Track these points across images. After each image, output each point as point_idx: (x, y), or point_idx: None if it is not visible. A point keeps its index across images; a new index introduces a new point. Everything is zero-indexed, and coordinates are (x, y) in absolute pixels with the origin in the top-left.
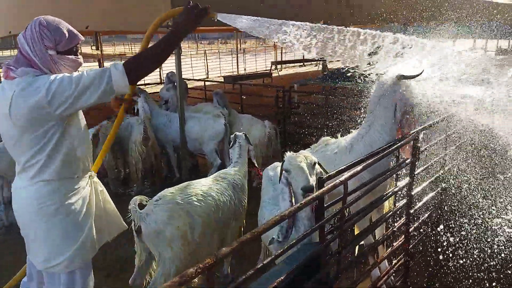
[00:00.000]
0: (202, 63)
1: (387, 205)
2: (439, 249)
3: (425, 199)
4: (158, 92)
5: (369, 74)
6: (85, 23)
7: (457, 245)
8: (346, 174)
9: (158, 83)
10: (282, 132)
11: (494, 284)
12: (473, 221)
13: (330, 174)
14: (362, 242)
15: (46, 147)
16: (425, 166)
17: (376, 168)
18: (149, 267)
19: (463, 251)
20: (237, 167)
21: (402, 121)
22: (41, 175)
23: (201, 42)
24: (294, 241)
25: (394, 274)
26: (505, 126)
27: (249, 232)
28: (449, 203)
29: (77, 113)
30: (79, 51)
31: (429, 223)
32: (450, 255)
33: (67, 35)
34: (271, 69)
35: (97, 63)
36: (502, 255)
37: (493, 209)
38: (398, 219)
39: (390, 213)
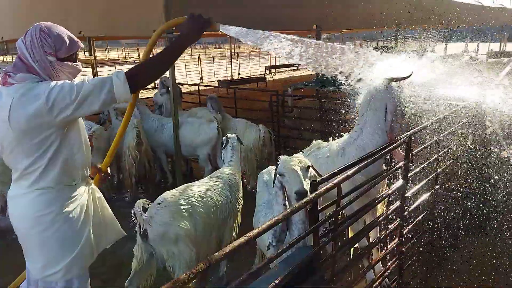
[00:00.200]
0: (196, 68)
1: (380, 207)
2: (433, 251)
3: (418, 201)
4: (152, 97)
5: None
6: (79, 28)
7: (451, 246)
8: (340, 177)
9: (152, 88)
10: (276, 136)
11: (490, 285)
12: (467, 222)
13: (323, 177)
14: (356, 245)
15: (45, 155)
16: (418, 169)
17: (369, 171)
18: (149, 269)
19: (457, 253)
20: (231, 167)
21: (392, 124)
22: (39, 182)
23: (195, 47)
24: (287, 244)
25: (388, 277)
26: None
27: (242, 236)
28: (443, 205)
29: (77, 120)
30: (78, 58)
31: (423, 225)
32: (444, 256)
33: (67, 42)
34: (265, 73)
35: (90, 69)
36: (497, 256)
37: (487, 210)
38: (392, 221)
39: (383, 216)
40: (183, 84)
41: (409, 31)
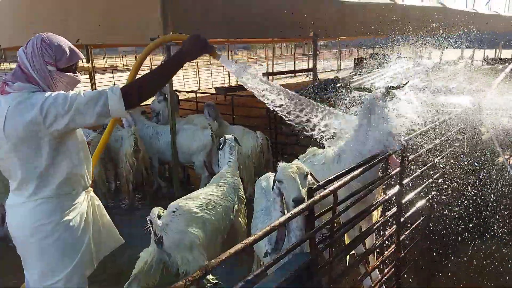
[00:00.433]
0: (194, 75)
1: (375, 214)
2: (431, 257)
3: (415, 207)
4: (149, 104)
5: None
6: (76, 36)
7: (448, 252)
8: (336, 184)
9: None
10: (274, 142)
11: None
12: (464, 228)
13: (320, 183)
14: (353, 252)
15: (42, 164)
16: (413, 175)
17: (365, 178)
18: (153, 274)
19: (455, 259)
20: (231, 168)
21: (390, 130)
22: (39, 192)
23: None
24: (284, 251)
25: (385, 283)
26: None
27: (239, 243)
28: (439, 211)
29: (75, 130)
30: (77, 69)
31: (420, 231)
32: (442, 262)
33: (68, 52)
34: None
35: (88, 76)
36: (495, 261)
37: (484, 215)
38: (388, 228)
39: (380, 222)
40: (180, 91)
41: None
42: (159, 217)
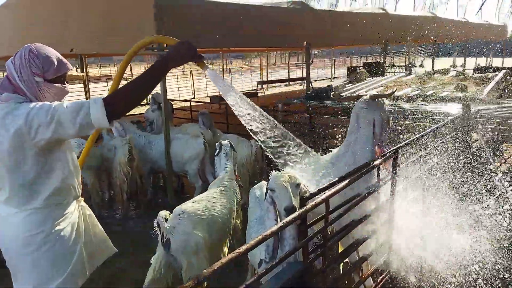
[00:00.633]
0: (189, 84)
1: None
2: (424, 264)
3: (406, 214)
4: (143, 113)
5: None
6: (70, 46)
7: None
8: (328, 192)
9: (144, 104)
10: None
11: None
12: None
13: (312, 192)
14: (347, 260)
15: (30, 175)
16: (405, 183)
17: (357, 186)
18: (164, 280)
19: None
20: (228, 173)
21: (381, 137)
22: (29, 203)
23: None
24: (277, 260)
25: None
26: None
27: (232, 252)
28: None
29: (63, 141)
30: (66, 80)
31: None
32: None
33: (55, 63)
34: (257, 88)
35: (82, 85)
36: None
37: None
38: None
39: (372, 230)
40: (174, 100)
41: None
42: (166, 220)
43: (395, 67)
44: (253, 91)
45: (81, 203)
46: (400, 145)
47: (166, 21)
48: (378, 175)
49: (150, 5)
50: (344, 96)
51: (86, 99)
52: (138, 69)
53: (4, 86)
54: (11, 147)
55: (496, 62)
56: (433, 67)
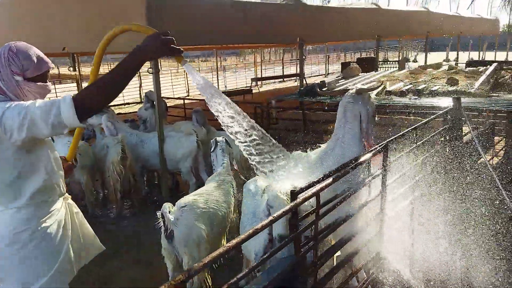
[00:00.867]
0: (183, 81)
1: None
2: (416, 257)
3: (397, 208)
4: (136, 111)
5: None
6: (62, 44)
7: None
8: (318, 186)
9: (138, 103)
10: None
11: None
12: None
13: (302, 187)
14: (339, 253)
15: (12, 175)
16: (396, 177)
17: (347, 180)
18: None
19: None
20: (226, 168)
21: (368, 131)
22: (14, 201)
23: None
24: (268, 254)
25: (371, 283)
26: None
27: (222, 246)
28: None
29: (44, 140)
30: (48, 78)
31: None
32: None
33: (35, 61)
34: (251, 85)
35: (75, 84)
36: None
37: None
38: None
39: (364, 223)
40: (168, 98)
41: (391, 41)
42: (169, 212)
43: (389, 62)
44: (247, 88)
45: (68, 200)
46: (389, 139)
47: (158, 19)
48: (368, 169)
49: (142, 2)
50: (329, 91)
51: None
52: None
53: None
54: None
55: (489, 56)
56: (426, 61)
